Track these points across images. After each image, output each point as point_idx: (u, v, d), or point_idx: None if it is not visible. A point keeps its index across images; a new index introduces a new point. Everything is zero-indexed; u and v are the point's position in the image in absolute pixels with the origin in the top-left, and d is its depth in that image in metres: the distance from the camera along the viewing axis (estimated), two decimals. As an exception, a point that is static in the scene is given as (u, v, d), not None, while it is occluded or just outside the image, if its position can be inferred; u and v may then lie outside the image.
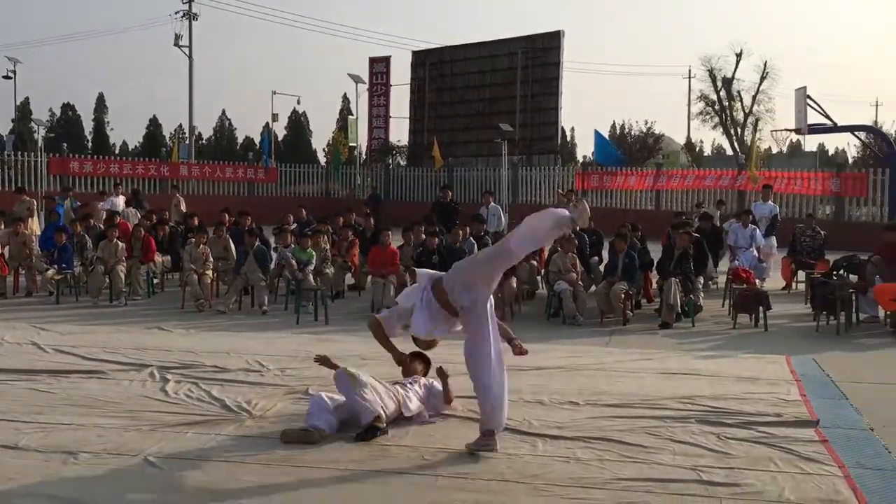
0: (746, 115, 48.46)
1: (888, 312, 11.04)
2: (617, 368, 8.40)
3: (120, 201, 20.05)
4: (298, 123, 79.54)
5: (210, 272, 13.09)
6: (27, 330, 10.07)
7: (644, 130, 48.44)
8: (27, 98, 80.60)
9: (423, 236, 13.11)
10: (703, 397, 7.15)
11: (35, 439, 5.91)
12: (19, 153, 31.92)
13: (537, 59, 37.36)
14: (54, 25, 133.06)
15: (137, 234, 14.17)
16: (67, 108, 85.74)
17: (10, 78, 54.92)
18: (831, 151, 72.74)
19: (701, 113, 51.06)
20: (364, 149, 42.49)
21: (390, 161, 41.35)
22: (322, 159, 70.92)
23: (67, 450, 5.68)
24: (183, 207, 21.59)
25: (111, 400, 6.98)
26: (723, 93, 48.38)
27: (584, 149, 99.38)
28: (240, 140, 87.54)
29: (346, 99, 79.67)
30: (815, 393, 7.37)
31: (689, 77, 57.67)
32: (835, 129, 22.82)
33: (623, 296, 11.47)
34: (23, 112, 71.01)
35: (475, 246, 13.39)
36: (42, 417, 6.44)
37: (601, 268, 13.08)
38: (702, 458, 5.61)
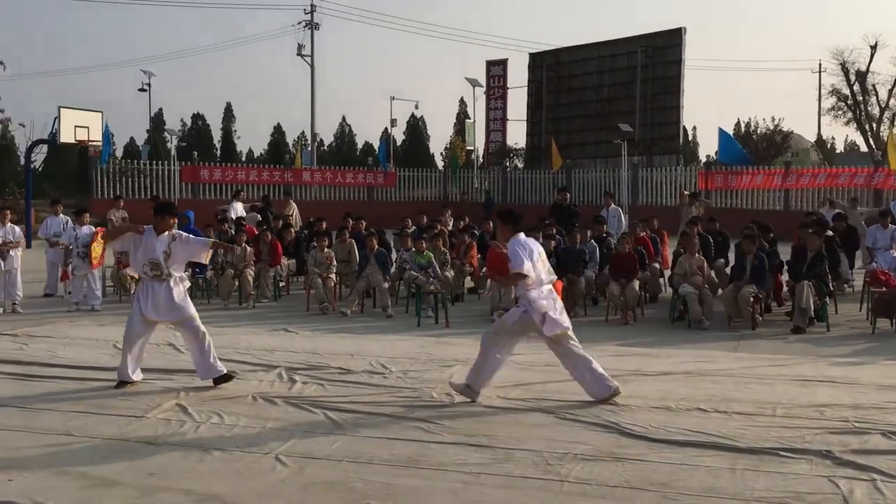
0: (883, 110, 45.92)
1: None
2: (746, 374, 8.12)
3: (239, 207, 20.40)
4: (416, 128, 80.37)
5: (333, 276, 13.38)
6: (165, 332, 10.50)
7: (771, 128, 46.70)
8: (161, 109, 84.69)
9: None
10: (841, 406, 6.82)
11: (172, 436, 6.18)
12: (154, 162, 33.56)
13: (657, 57, 36.70)
14: (185, 40, 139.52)
15: (265, 239, 14.59)
16: (197, 118, 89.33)
17: (146, 90, 58.00)
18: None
19: (832, 108, 48.66)
20: (481, 152, 42.64)
21: (508, 164, 41.34)
22: (439, 163, 71.56)
23: (202, 447, 5.91)
24: (297, 214, 21.81)
25: (242, 400, 7.23)
26: (856, 87, 45.97)
27: (707, 148, 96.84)
28: (359, 146, 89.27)
29: (463, 103, 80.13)
30: (965, 403, 6.91)
31: (819, 71, 55.42)
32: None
33: (752, 299, 11.07)
34: (157, 123, 74.57)
35: (596, 249, 13.19)
36: (178, 415, 6.74)
37: (727, 270, 12.67)
38: (841, 469, 5.34)
